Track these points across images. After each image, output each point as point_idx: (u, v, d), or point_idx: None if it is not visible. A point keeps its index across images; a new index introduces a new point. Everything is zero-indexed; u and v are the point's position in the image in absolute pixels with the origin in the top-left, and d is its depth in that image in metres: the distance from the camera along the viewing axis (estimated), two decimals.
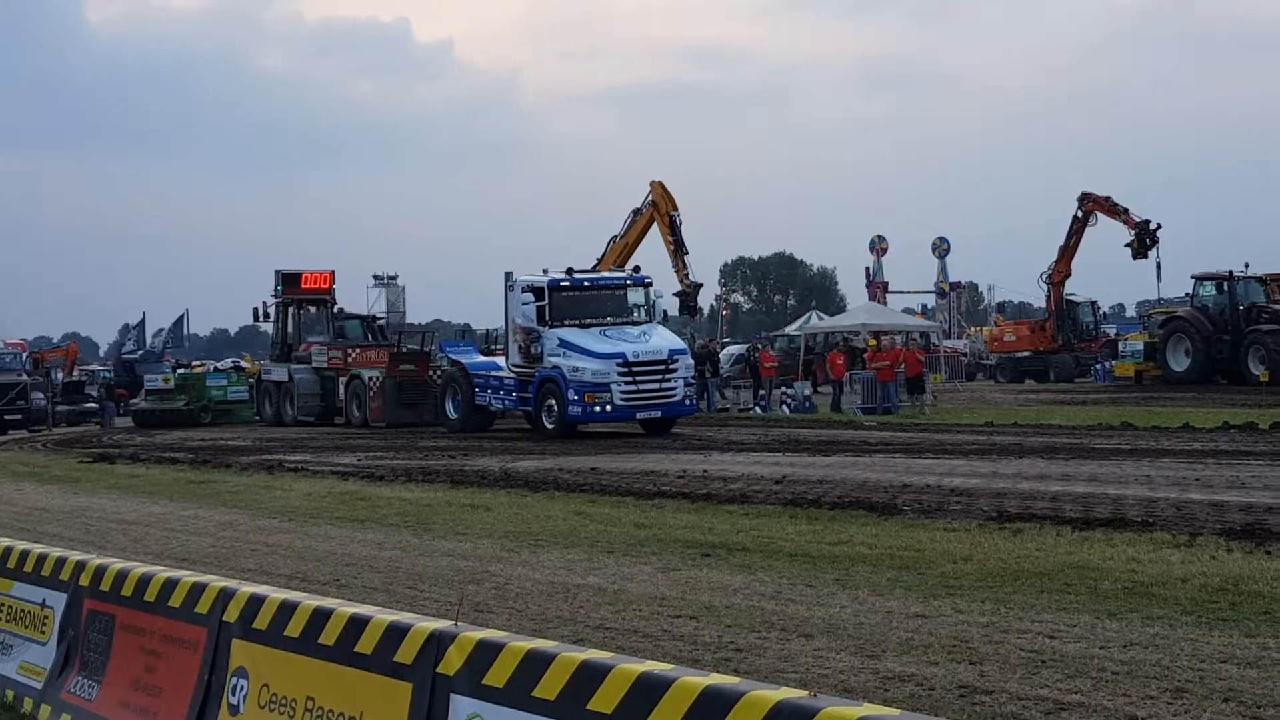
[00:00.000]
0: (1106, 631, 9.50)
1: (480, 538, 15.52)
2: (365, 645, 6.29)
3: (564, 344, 32.00)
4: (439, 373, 38.68)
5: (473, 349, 38.60)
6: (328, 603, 6.82)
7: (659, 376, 31.73)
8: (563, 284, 32.86)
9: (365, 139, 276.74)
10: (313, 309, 48.22)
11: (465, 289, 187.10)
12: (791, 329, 66.66)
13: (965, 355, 67.80)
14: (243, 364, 66.40)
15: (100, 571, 8.48)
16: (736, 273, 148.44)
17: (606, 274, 35.59)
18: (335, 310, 46.69)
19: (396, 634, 6.16)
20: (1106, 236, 55.40)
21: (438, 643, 5.93)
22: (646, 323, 33.09)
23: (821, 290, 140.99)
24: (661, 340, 32.63)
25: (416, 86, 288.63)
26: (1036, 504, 16.05)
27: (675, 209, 43.30)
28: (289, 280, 46.81)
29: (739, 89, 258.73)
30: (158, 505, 20.95)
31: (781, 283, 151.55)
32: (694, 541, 14.41)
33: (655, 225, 44.00)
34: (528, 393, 33.14)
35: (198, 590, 7.58)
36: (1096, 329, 60.43)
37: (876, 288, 79.95)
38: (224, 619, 7.28)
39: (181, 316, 71.17)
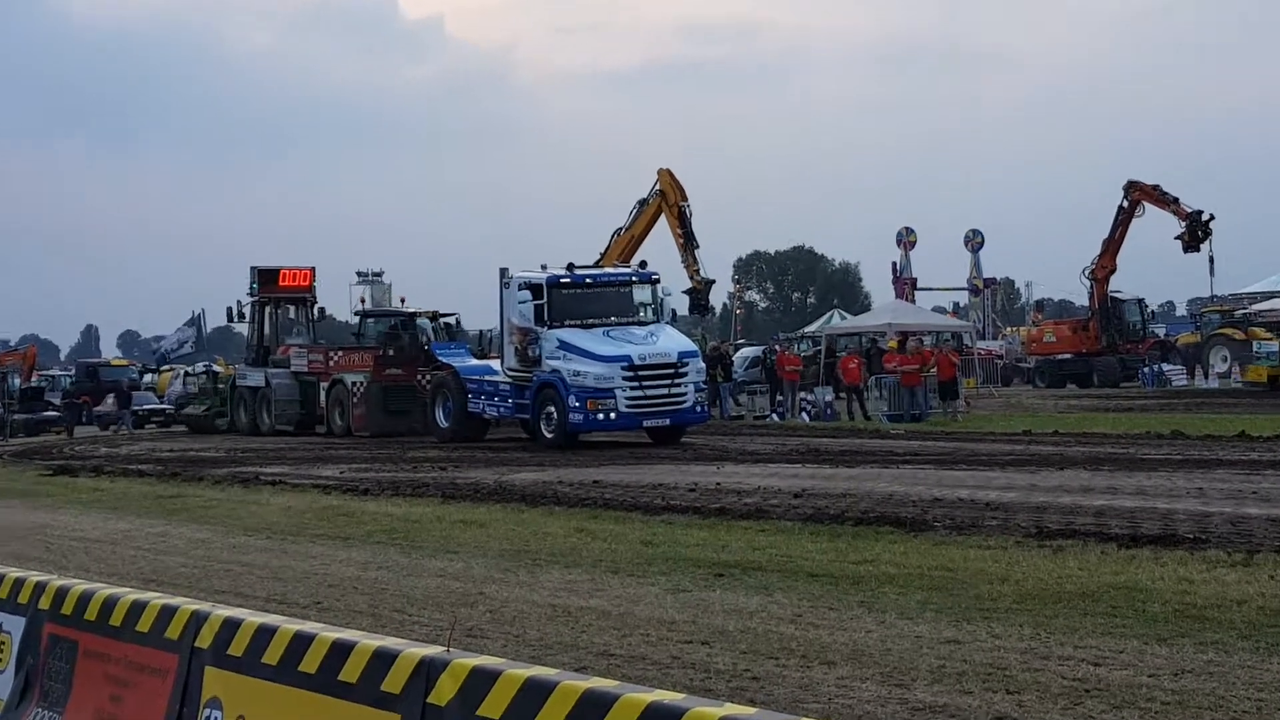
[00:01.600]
0: (1156, 658, 9.49)
1: (473, 556, 15.53)
2: (350, 673, 6.29)
3: (564, 346, 31.87)
4: (428, 377, 38.63)
5: (464, 351, 38.53)
6: (309, 627, 6.82)
7: (667, 381, 31.56)
8: (563, 281, 32.72)
9: (347, 123, 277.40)
10: (291, 308, 48.17)
11: (456, 286, 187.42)
12: (811, 329, 66.68)
13: (1001, 358, 67.75)
14: (216, 368, 66.47)
15: (62, 593, 8.48)
16: (751, 268, 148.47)
17: (610, 270, 35.54)
18: (373, 306, 45.18)
19: (383, 661, 6.16)
20: (1155, 228, 55.44)
21: (428, 670, 5.93)
22: (654, 323, 32.96)
23: (844, 287, 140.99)
24: (670, 342, 32.50)
25: (404, 66, 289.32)
26: (1079, 519, 16.03)
27: (685, 199, 43.35)
28: (266, 277, 46.72)
29: (752, 66, 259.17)
30: (124, 521, 20.98)
31: (800, 279, 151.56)
32: (706, 560, 14.41)
33: (663, 217, 44.05)
34: (525, 399, 32.94)
35: (168, 614, 7.58)
36: (1144, 329, 60.43)
37: (904, 284, 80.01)
38: (196, 645, 7.28)
39: (198, 315, 70.22)
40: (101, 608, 8.09)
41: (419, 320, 42.65)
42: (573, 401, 31.33)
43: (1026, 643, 10.10)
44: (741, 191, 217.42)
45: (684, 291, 43.34)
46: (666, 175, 43.73)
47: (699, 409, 32.83)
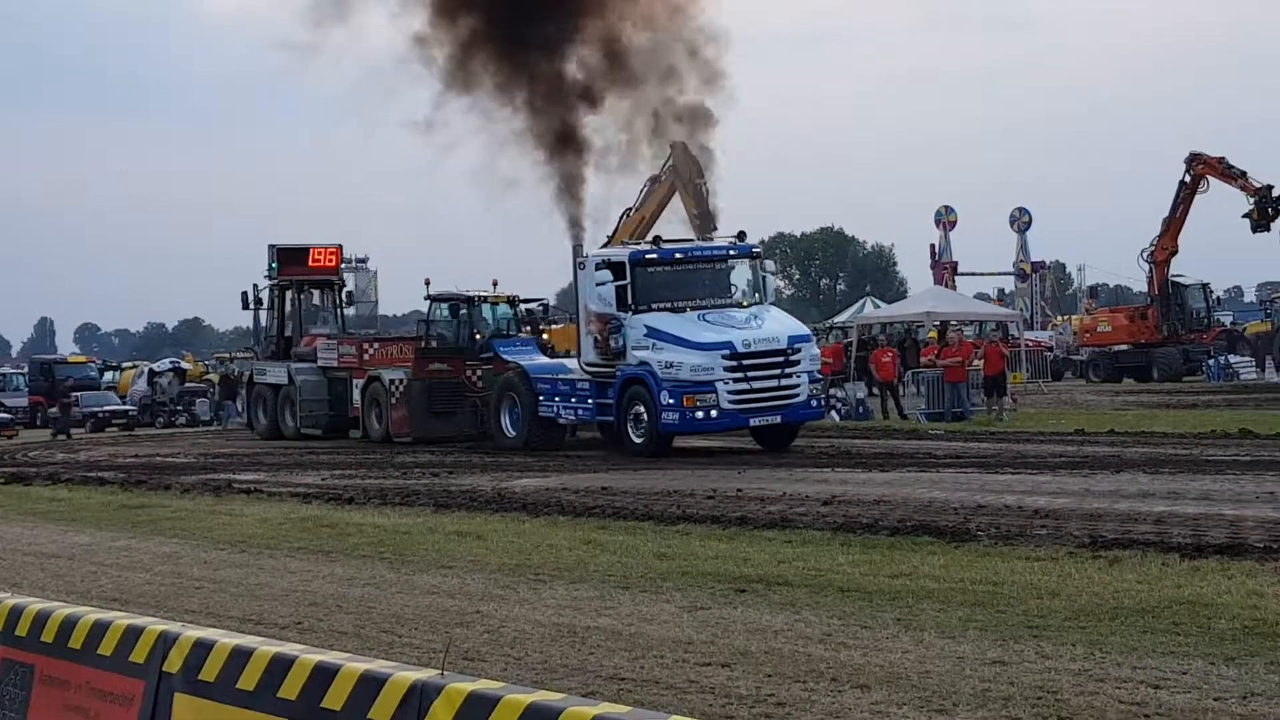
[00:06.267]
0: (1223, 679, 9.50)
1: (469, 572, 15.56)
2: (334, 700, 6.31)
3: (653, 333, 30.04)
4: (478, 374, 36.89)
5: (532, 348, 36.93)
6: (289, 649, 6.85)
7: (777, 371, 29.69)
8: (649, 257, 31.01)
9: (325, 87, 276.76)
10: (315, 293, 46.36)
11: (458, 273, 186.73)
12: (841, 319, 66.64)
13: (1051, 349, 67.79)
14: (183, 364, 66.63)
15: (16, 613, 8.51)
16: (775, 252, 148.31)
17: (703, 243, 33.48)
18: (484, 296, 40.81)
19: (371, 686, 6.18)
20: (1221, 206, 55.35)
21: (420, 696, 5.95)
22: (755, 304, 31.28)
23: (877, 272, 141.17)
24: (777, 325, 30.80)
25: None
26: (1138, 527, 16.05)
27: (701, 176, 43.39)
28: (288, 257, 44.83)
29: (775, 31, 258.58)
30: (83, 534, 21.02)
31: (829, 264, 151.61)
32: (726, 575, 14.43)
33: (677, 196, 44.11)
34: (607, 398, 30.96)
35: (133, 635, 7.61)
36: (1209, 317, 60.37)
37: (943, 269, 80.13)
38: (165, 669, 7.30)
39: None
40: (60, 629, 8.12)
41: (499, 307, 40.11)
42: (665, 398, 29.28)
43: (1080, 664, 10.11)
44: (764, 168, 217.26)
45: None
46: (681, 149, 43.73)
47: (815, 403, 31.01)
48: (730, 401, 29.23)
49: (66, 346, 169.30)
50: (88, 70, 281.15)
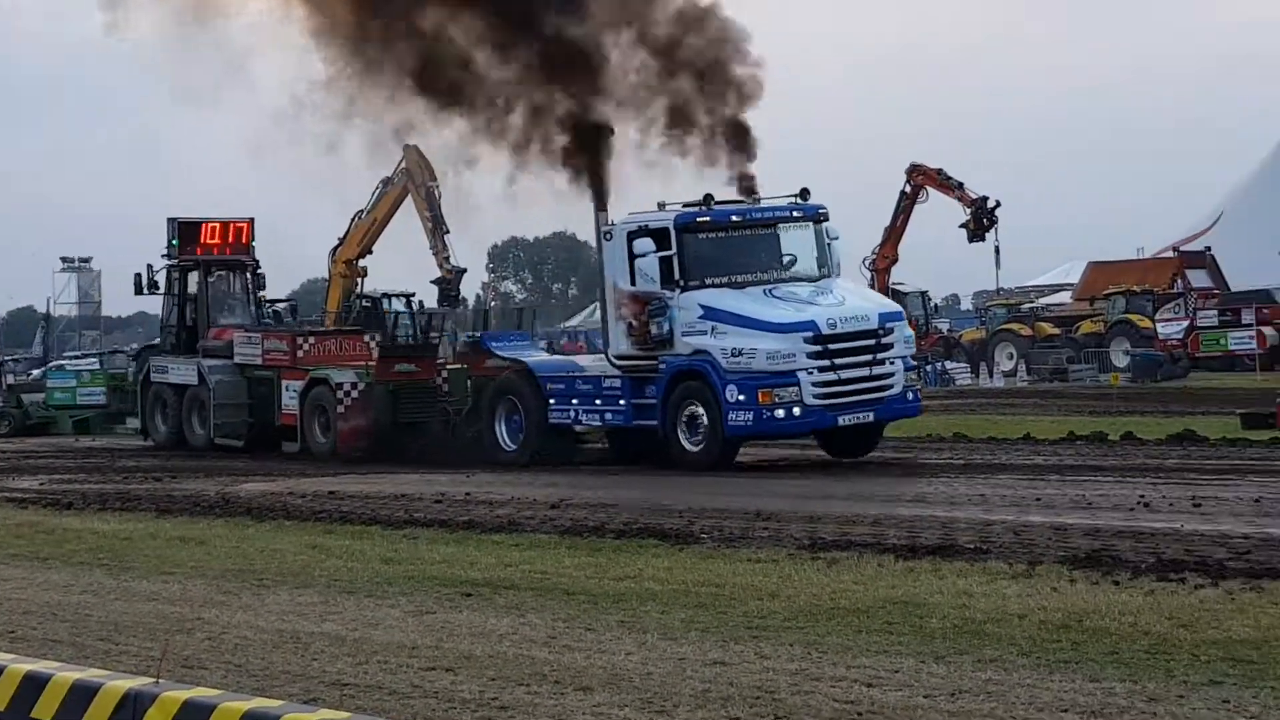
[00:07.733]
0: (933, 677, 9.77)
1: (191, 578, 15.31)
2: (44, 709, 6.19)
3: (711, 313, 24.63)
4: (444, 375, 31.74)
5: (529, 342, 32.09)
6: None
7: (868, 357, 24.59)
8: (700, 220, 25.48)
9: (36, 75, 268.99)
10: (224, 275, 38.69)
11: None
12: (573, 323, 67.00)
13: None
14: None
15: None
16: (509, 256, 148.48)
17: (760, 205, 27.04)
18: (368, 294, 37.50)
19: (83, 695, 6.07)
20: (939, 216, 56.82)
21: (134, 704, 5.87)
22: (821, 277, 26.03)
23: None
24: (862, 300, 26.03)
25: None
26: (855, 529, 16.44)
27: (434, 179, 43.15)
28: (189, 232, 37.58)
29: None
30: None
31: (561, 268, 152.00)
32: (452, 579, 14.43)
33: (409, 199, 43.85)
34: (647, 397, 25.46)
35: None
36: (927, 324, 61.97)
37: None
38: None
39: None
40: None
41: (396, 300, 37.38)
42: (733, 394, 23.97)
43: (797, 663, 10.31)
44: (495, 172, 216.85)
45: (432, 281, 43.27)
46: (413, 152, 43.40)
47: (911, 396, 25.56)
48: (816, 396, 24.07)
49: None
50: None
